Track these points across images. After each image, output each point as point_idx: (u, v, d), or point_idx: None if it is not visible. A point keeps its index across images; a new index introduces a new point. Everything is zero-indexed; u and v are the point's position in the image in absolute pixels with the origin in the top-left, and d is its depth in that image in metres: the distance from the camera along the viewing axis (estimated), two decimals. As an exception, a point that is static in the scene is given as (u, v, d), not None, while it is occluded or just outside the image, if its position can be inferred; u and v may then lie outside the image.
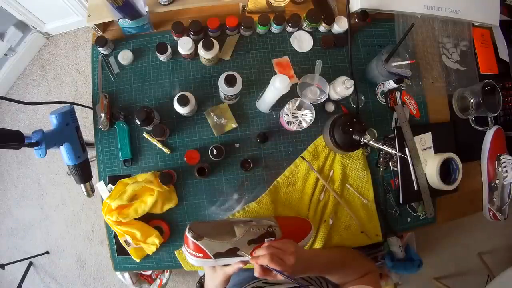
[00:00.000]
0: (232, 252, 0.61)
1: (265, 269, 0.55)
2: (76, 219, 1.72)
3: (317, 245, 0.80)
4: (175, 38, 0.83)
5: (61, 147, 0.63)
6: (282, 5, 0.83)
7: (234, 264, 0.61)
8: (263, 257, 0.54)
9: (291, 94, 0.78)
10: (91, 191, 0.69)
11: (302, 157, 0.81)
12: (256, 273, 0.55)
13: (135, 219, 0.76)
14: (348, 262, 0.70)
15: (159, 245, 0.77)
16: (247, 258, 0.60)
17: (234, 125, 0.82)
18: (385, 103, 0.87)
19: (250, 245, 0.61)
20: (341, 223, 0.82)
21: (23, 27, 1.63)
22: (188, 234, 0.60)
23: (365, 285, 0.64)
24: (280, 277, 0.54)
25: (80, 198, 1.72)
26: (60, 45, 1.78)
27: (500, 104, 0.85)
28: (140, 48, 0.84)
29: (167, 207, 0.78)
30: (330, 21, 0.83)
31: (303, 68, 0.86)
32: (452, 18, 0.91)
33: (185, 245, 0.62)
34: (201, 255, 0.60)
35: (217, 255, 0.60)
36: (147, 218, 0.78)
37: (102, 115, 0.78)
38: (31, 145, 0.56)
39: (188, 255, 0.62)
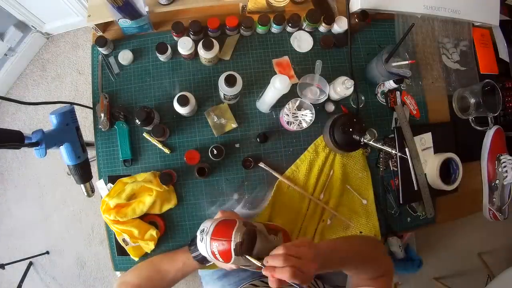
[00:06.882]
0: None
1: (281, 281, 0.47)
2: (76, 219, 1.72)
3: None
4: (175, 38, 0.83)
5: (61, 147, 0.63)
6: (282, 5, 0.83)
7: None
8: (282, 271, 0.45)
9: (291, 94, 0.78)
10: (91, 191, 0.69)
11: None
12: (273, 284, 0.47)
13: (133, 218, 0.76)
14: (368, 259, 0.62)
15: (156, 238, 0.77)
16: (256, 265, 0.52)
17: (234, 125, 0.82)
18: (385, 103, 0.87)
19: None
20: (340, 223, 0.82)
21: (23, 27, 1.62)
22: (233, 248, 0.51)
23: None
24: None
25: (80, 198, 1.71)
26: (60, 45, 1.78)
27: (500, 104, 0.85)
28: (140, 48, 0.84)
29: (166, 207, 0.78)
30: (330, 21, 0.83)
31: (303, 68, 0.86)
32: (452, 18, 0.91)
33: (217, 244, 0.53)
34: (222, 260, 0.54)
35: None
36: (142, 215, 0.77)
37: (102, 115, 0.78)
38: (31, 145, 0.56)
39: (209, 251, 0.54)
